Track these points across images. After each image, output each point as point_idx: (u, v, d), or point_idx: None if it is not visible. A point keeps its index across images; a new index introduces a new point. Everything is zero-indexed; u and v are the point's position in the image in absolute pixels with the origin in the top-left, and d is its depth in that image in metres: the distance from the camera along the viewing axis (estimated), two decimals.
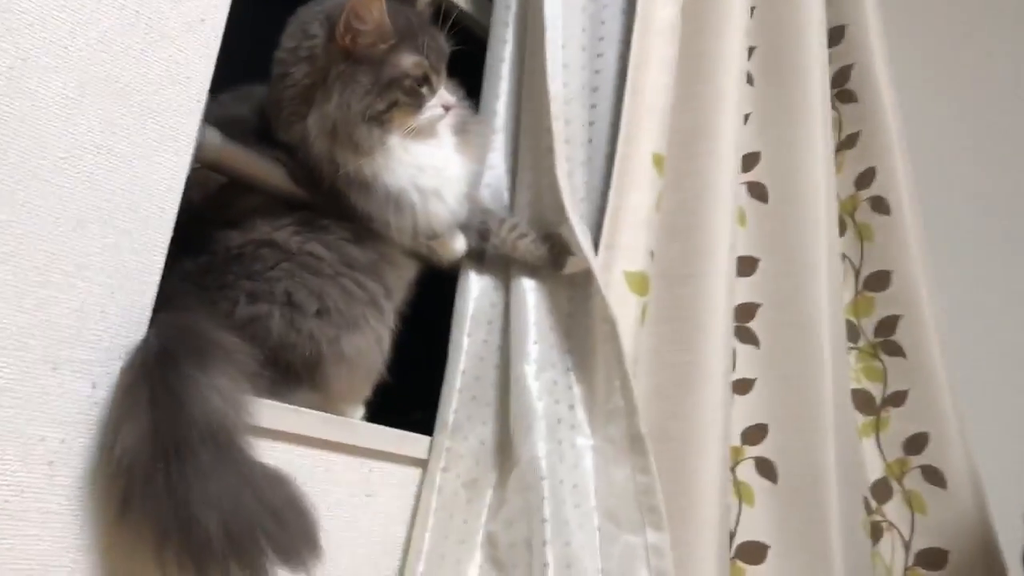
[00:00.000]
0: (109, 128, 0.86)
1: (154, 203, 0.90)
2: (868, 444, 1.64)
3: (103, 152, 0.85)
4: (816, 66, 1.62)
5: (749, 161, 1.63)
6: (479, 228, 1.24)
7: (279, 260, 1.04)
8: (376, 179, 1.07)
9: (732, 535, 1.47)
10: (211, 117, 1.03)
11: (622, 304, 1.28)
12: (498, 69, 1.34)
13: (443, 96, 1.11)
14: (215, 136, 0.98)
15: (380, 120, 1.07)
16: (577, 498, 1.16)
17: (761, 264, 1.59)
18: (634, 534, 1.16)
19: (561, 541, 1.11)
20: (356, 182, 1.06)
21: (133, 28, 0.88)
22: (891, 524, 1.60)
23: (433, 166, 1.11)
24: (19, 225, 0.79)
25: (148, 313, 0.89)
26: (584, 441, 1.20)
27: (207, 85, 0.94)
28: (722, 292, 1.41)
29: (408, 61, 1.08)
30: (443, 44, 1.13)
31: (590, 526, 1.15)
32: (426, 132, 1.12)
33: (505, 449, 1.21)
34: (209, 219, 1.07)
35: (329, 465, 1.08)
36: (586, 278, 1.23)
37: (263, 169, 1.05)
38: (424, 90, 1.10)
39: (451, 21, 1.16)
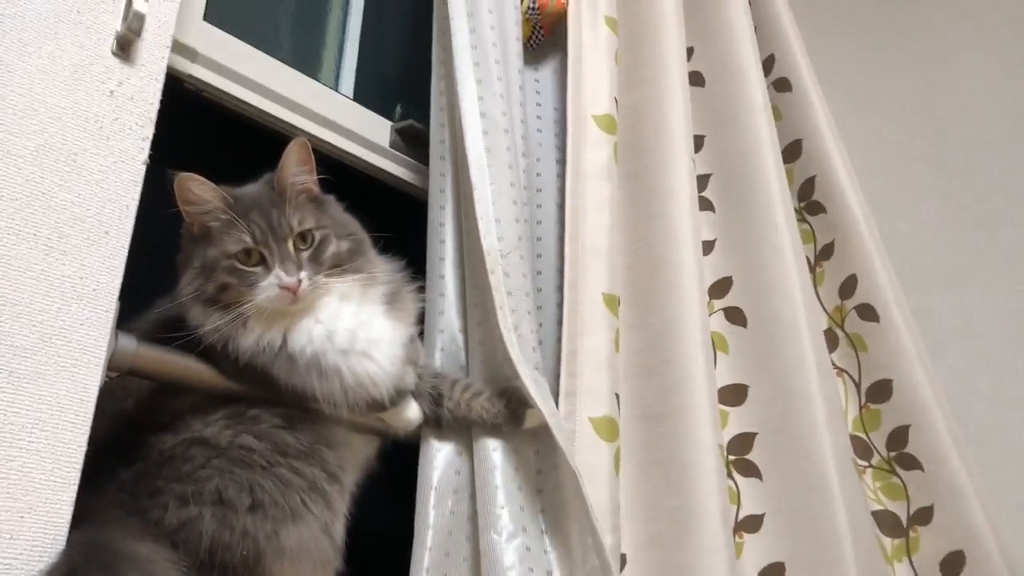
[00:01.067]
0: (10, 350, 0.86)
1: (64, 419, 0.89)
2: (902, 569, 1.51)
3: (4, 373, 0.85)
4: (774, 184, 1.61)
5: (721, 287, 1.60)
6: (431, 393, 1.21)
7: (209, 457, 1.02)
8: (285, 348, 1.06)
9: None
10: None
11: (592, 452, 1.23)
12: (440, 233, 1.35)
13: (279, 276, 1.05)
14: (129, 342, 0.98)
15: (216, 301, 1.06)
16: None
17: (751, 391, 1.53)
18: None
19: None
20: (265, 355, 1.05)
21: (31, 251, 0.90)
22: None
23: (347, 329, 1.09)
24: None
25: (64, 532, 0.86)
26: None
27: (115, 295, 0.95)
28: (706, 425, 1.34)
29: (230, 238, 1.07)
30: (285, 221, 1.08)
31: None
32: (315, 304, 1.09)
33: None
34: (143, 425, 1.05)
35: None
36: (549, 430, 1.18)
37: (186, 367, 1.04)
38: (257, 270, 1.07)
39: (392, 191, 1.16)
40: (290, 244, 1.08)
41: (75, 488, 0.88)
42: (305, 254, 1.09)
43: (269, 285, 1.05)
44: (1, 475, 0.83)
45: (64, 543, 0.85)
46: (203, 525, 0.98)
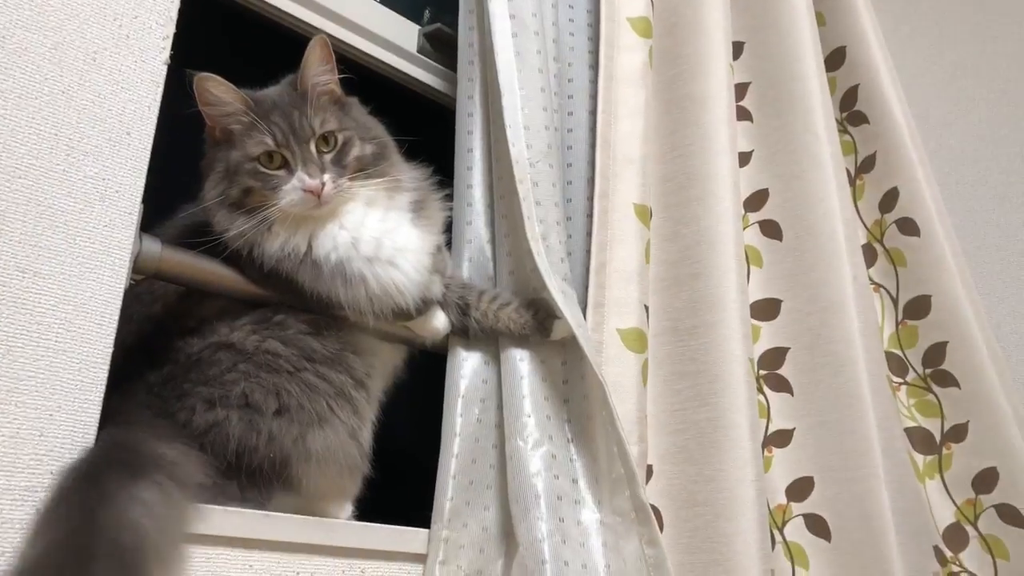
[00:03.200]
0: (34, 251, 0.86)
1: (90, 320, 0.89)
2: (933, 486, 1.50)
3: (29, 275, 0.85)
4: (816, 93, 1.55)
5: (757, 199, 1.56)
6: (458, 303, 1.20)
7: (236, 362, 1.02)
8: (311, 254, 1.05)
9: None
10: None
11: (618, 363, 1.22)
12: (467, 141, 1.32)
13: (302, 178, 1.04)
14: (154, 245, 0.97)
15: (240, 205, 1.05)
16: None
17: (784, 305, 1.50)
18: None
19: None
20: (290, 261, 1.04)
21: (53, 151, 0.88)
22: (971, 574, 1.44)
23: (372, 237, 1.08)
24: None
25: (92, 431, 0.87)
26: (591, 516, 1.12)
27: (139, 197, 0.94)
28: (737, 339, 1.32)
29: (251, 141, 1.05)
30: (307, 122, 1.06)
31: None
32: (332, 211, 1.07)
33: (511, 534, 1.13)
34: (171, 330, 1.06)
35: (314, 570, 1.02)
36: (576, 341, 1.17)
37: (212, 272, 1.04)
38: (280, 173, 1.05)
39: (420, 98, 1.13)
40: (312, 146, 1.06)
41: (102, 389, 0.89)
42: (328, 156, 1.07)
43: (292, 188, 1.04)
44: (29, 374, 0.84)
45: (92, 442, 0.86)
46: (230, 428, 0.99)
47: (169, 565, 0.80)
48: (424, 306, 1.14)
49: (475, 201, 1.30)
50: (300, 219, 1.05)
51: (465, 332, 1.22)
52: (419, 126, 1.23)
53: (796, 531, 1.40)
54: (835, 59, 1.72)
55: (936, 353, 1.54)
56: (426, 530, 1.14)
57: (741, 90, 1.61)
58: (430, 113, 1.57)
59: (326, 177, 1.04)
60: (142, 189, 0.95)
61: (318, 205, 1.04)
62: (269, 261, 1.04)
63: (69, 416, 0.86)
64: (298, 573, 1.01)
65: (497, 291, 1.23)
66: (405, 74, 1.52)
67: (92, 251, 0.90)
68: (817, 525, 1.39)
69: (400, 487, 1.18)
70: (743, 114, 1.60)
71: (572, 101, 1.34)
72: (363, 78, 1.18)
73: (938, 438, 1.52)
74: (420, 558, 1.13)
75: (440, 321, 1.19)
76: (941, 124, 1.91)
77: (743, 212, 1.51)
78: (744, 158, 1.57)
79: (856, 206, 1.67)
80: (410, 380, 1.25)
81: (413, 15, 1.57)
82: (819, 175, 1.51)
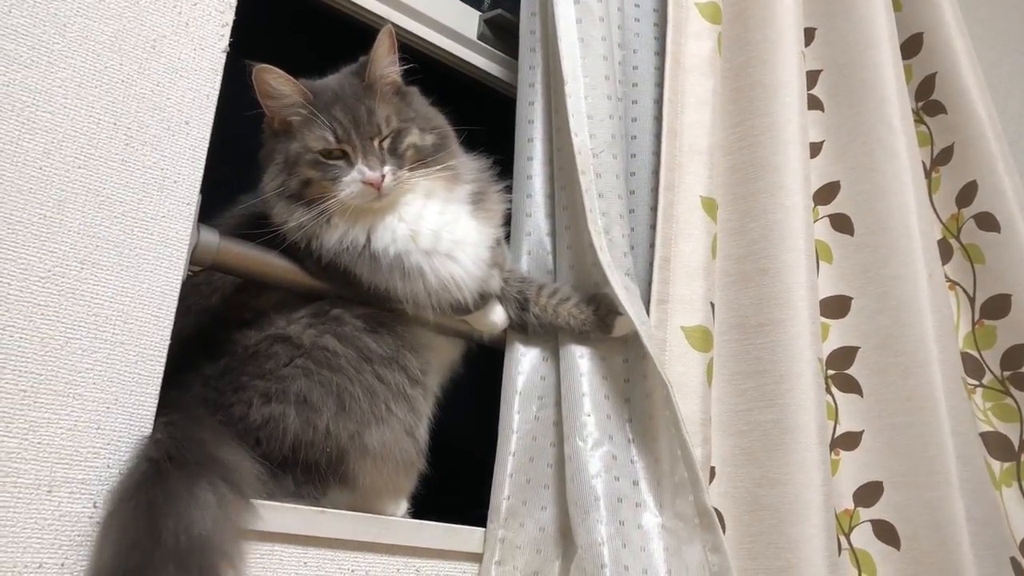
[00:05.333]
0: (92, 242, 0.85)
1: (147, 312, 0.88)
2: (1010, 494, 1.43)
3: (88, 266, 0.84)
4: (891, 81, 1.48)
5: (827, 192, 1.50)
6: (517, 298, 1.17)
7: (292, 356, 1.01)
8: (369, 247, 1.03)
9: None
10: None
11: (682, 362, 1.18)
12: (528, 131, 1.28)
13: (362, 171, 1.02)
14: (212, 236, 0.96)
15: (300, 197, 1.03)
16: None
17: (855, 303, 1.44)
18: None
19: None
20: (348, 254, 1.02)
21: (111, 140, 0.87)
22: None
23: (431, 230, 1.06)
24: (2, 348, 0.78)
25: (149, 424, 0.86)
26: (652, 519, 1.09)
27: (197, 187, 0.93)
28: (805, 338, 1.27)
29: (311, 135, 1.03)
30: (373, 119, 1.04)
31: None
32: (393, 204, 1.05)
33: (568, 535, 1.11)
34: (228, 321, 1.05)
35: (368, 568, 1.01)
36: (639, 339, 1.13)
37: (269, 264, 1.02)
38: (340, 163, 1.03)
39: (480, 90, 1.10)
40: (375, 141, 1.04)
41: (159, 381, 0.88)
42: (388, 147, 1.05)
43: (352, 180, 1.02)
44: (87, 367, 0.83)
45: (148, 435, 0.85)
46: (286, 423, 0.97)
47: (232, 565, 0.79)
48: (482, 300, 1.12)
49: (535, 192, 1.26)
50: (359, 211, 1.03)
51: (523, 327, 1.19)
52: (478, 115, 1.20)
53: (863, 538, 1.35)
54: (912, 46, 1.64)
55: (1016, 355, 1.46)
56: (482, 529, 1.12)
57: (812, 78, 1.55)
58: (489, 102, 1.54)
59: (386, 169, 1.02)
60: (200, 179, 0.94)
61: (378, 197, 1.02)
62: (327, 254, 1.02)
63: (126, 409, 0.85)
64: (353, 571, 1.00)
65: (557, 285, 1.19)
66: (465, 61, 1.49)
67: (150, 242, 0.89)
68: (886, 532, 1.33)
69: (455, 484, 1.15)
70: (814, 103, 1.53)
71: (637, 89, 1.30)
72: (422, 66, 1.15)
73: (1016, 444, 1.45)
74: (476, 557, 1.11)
75: (498, 316, 1.17)
76: (1021, 114, 1.82)
77: (812, 205, 1.45)
78: (815, 149, 1.51)
79: (932, 200, 1.60)
80: (466, 376, 1.22)
81: (473, 1, 1.54)
82: (893, 167, 1.44)
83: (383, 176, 1.02)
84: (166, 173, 0.91)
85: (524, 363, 1.20)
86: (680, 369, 1.16)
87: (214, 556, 0.77)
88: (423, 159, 1.07)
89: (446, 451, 1.14)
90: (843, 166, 1.51)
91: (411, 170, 1.05)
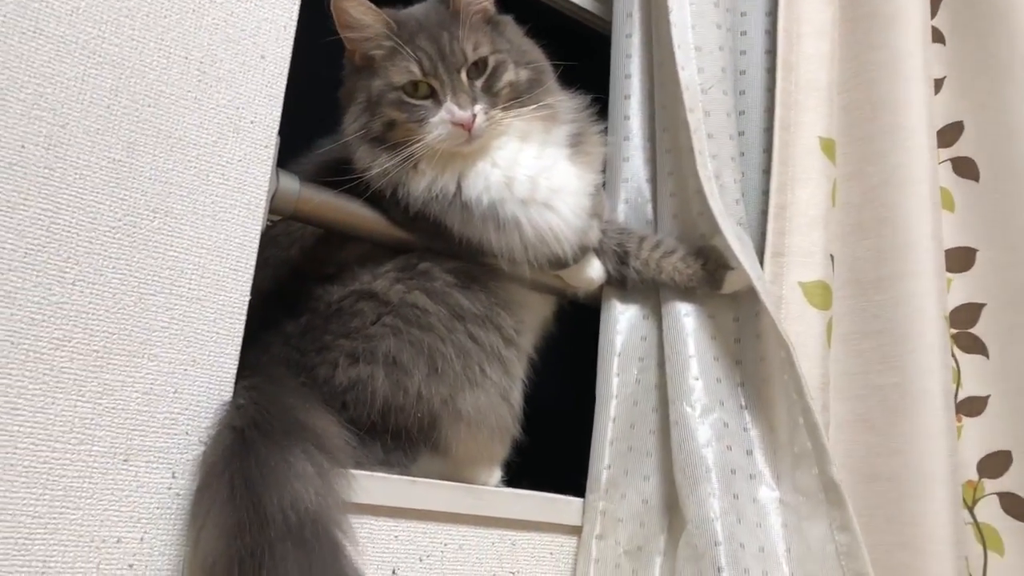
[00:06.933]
0: (165, 188, 0.77)
1: (225, 264, 0.80)
2: None
3: (160, 214, 0.77)
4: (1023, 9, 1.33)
5: (950, 134, 1.36)
6: (616, 251, 1.08)
7: (380, 314, 0.93)
8: (460, 196, 0.94)
9: None
10: None
11: (800, 321, 1.07)
12: (625, 67, 1.17)
13: (451, 110, 0.92)
14: (292, 183, 0.88)
15: (383, 140, 0.94)
16: (764, 565, 0.94)
17: (980, 256, 1.31)
18: None
19: None
20: (438, 203, 0.93)
21: (183, 76, 0.79)
22: None
23: (528, 176, 0.96)
24: (72, 305, 0.72)
25: (229, 388, 0.79)
26: (768, 493, 1.00)
27: (275, 128, 0.85)
28: (930, 294, 1.16)
29: (395, 68, 0.94)
30: (458, 46, 0.94)
31: None
32: (483, 149, 0.95)
33: (674, 507, 1.02)
34: (309, 276, 0.97)
35: (462, 541, 0.94)
36: (752, 295, 1.03)
37: (353, 213, 0.94)
38: (427, 103, 0.94)
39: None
40: (463, 74, 0.94)
41: (239, 340, 0.81)
42: (479, 84, 0.95)
43: (440, 121, 0.93)
44: (162, 325, 0.76)
45: (229, 399, 0.78)
46: (375, 385, 0.90)
47: (341, 535, 0.74)
48: (580, 253, 1.02)
49: (633, 135, 1.16)
50: (449, 156, 0.94)
51: (622, 283, 1.09)
52: (568, 52, 1.09)
53: (989, 511, 1.24)
54: None
55: None
56: (580, 500, 1.04)
57: (933, 6, 1.40)
58: (581, 38, 1.42)
59: (477, 108, 0.93)
60: (278, 120, 0.85)
61: (468, 140, 0.93)
62: (415, 203, 0.94)
63: (204, 371, 0.78)
64: (446, 544, 0.92)
65: (659, 237, 1.09)
66: None
67: (226, 189, 0.81)
68: (1015, 506, 1.22)
69: (551, 452, 1.07)
70: (935, 35, 1.39)
71: (745, 19, 1.17)
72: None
73: None
74: (575, 530, 1.03)
75: (596, 271, 1.07)
76: None
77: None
78: (936, 86, 1.37)
79: None
80: (560, 335, 1.13)
81: None
82: None
83: (474, 116, 0.92)
84: (242, 112, 0.83)
85: (623, 322, 1.11)
86: (797, 329, 1.05)
87: (331, 530, 0.71)
88: (517, 96, 0.97)
89: (540, 416, 1.06)
90: (968, 105, 1.36)
91: (504, 108, 0.96)
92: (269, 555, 0.68)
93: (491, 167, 0.95)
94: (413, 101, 0.94)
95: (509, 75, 0.96)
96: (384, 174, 0.92)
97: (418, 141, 0.92)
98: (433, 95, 0.94)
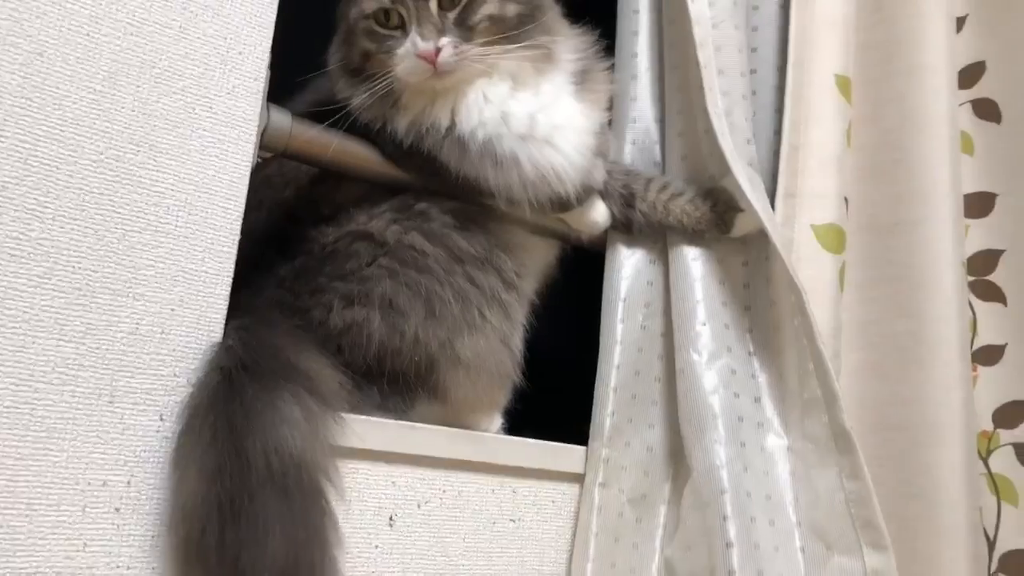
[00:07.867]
0: (149, 121, 0.74)
1: (214, 201, 0.77)
2: None
3: (144, 148, 0.74)
4: None
5: (971, 74, 1.32)
6: (622, 193, 1.04)
7: (376, 255, 0.90)
8: (454, 130, 0.90)
9: (991, 545, 1.17)
10: None
11: (812, 266, 1.04)
12: (632, 1, 1.12)
13: (415, 41, 0.87)
14: (283, 118, 0.84)
15: (361, 71, 0.91)
16: (771, 513, 0.92)
17: (999, 200, 1.28)
18: (849, 556, 0.92)
19: (753, 570, 0.88)
20: (431, 137, 0.90)
21: (167, 3, 0.76)
22: None
23: (526, 112, 0.92)
24: (52, 241, 0.69)
25: (219, 329, 0.77)
26: (776, 441, 0.97)
27: (265, 60, 0.81)
28: (947, 239, 1.13)
29: None
30: None
31: (791, 548, 0.92)
32: (474, 80, 0.91)
33: (678, 455, 0.99)
34: (304, 217, 0.95)
35: (461, 488, 0.92)
36: (763, 238, 0.99)
37: (348, 151, 0.91)
38: (396, 33, 0.89)
39: None
40: (432, 2, 0.89)
41: (229, 280, 0.78)
42: (452, 15, 0.90)
43: (405, 53, 0.88)
44: (147, 263, 0.73)
45: (219, 340, 0.76)
46: (371, 328, 0.88)
47: (328, 482, 0.72)
48: (584, 195, 0.99)
49: (640, 73, 1.11)
50: (432, 91, 0.90)
51: (628, 226, 1.06)
52: None
53: (1004, 462, 1.22)
54: None
55: None
56: (583, 447, 1.02)
57: None
58: None
59: (444, 41, 0.87)
60: (268, 51, 0.82)
61: (435, 75, 0.88)
62: (406, 138, 0.90)
63: (192, 311, 0.75)
64: (444, 491, 0.90)
65: (667, 179, 1.05)
66: None
67: (214, 123, 0.77)
68: None
69: (553, 399, 1.05)
70: None
71: None
72: None
73: None
74: (577, 478, 1.01)
75: (600, 213, 1.04)
76: None
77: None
78: (957, 24, 1.32)
79: None
80: (563, 280, 1.10)
81: None
82: None
83: (438, 49, 0.87)
84: (229, 43, 0.79)
85: (628, 267, 1.08)
86: (809, 273, 1.02)
87: (315, 477, 0.69)
88: (504, 33, 0.92)
89: (541, 363, 1.04)
90: (989, 44, 1.32)
91: (485, 45, 0.90)
92: (249, 501, 0.66)
93: (484, 102, 0.91)
94: (383, 31, 0.90)
95: (489, 8, 0.91)
96: (365, 107, 0.89)
97: (387, 73, 0.89)
98: (403, 25, 0.90)
